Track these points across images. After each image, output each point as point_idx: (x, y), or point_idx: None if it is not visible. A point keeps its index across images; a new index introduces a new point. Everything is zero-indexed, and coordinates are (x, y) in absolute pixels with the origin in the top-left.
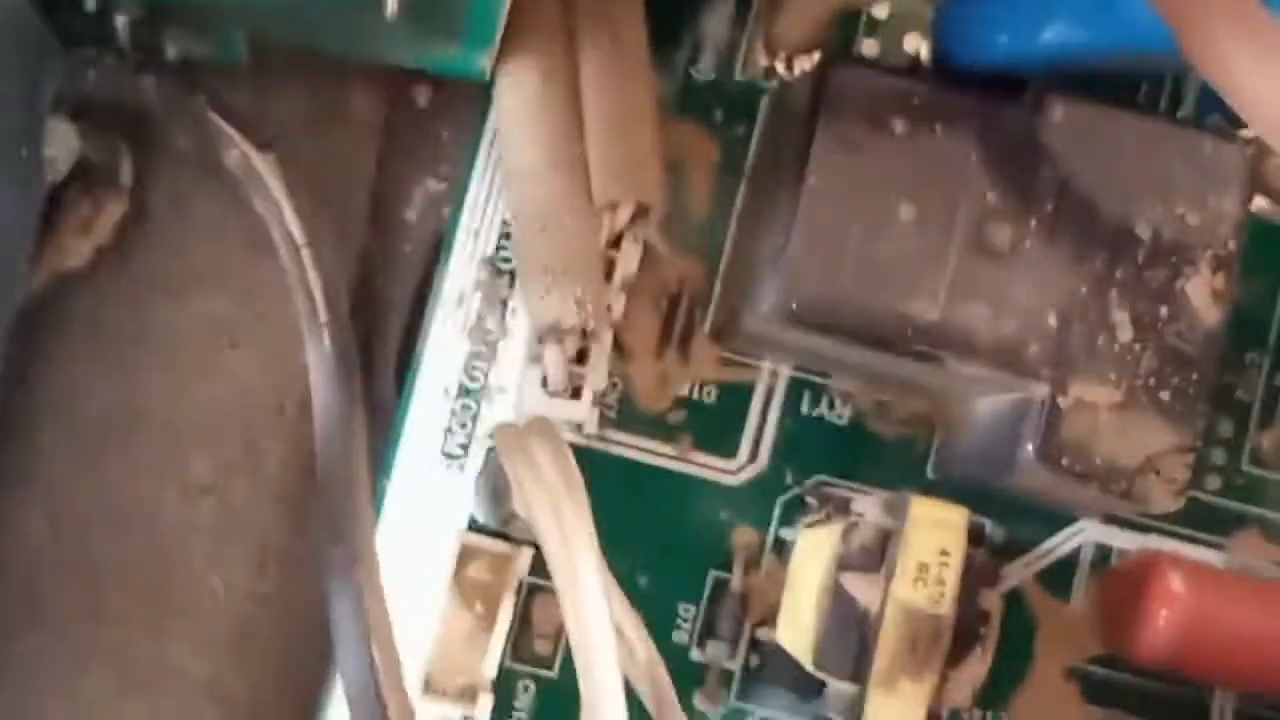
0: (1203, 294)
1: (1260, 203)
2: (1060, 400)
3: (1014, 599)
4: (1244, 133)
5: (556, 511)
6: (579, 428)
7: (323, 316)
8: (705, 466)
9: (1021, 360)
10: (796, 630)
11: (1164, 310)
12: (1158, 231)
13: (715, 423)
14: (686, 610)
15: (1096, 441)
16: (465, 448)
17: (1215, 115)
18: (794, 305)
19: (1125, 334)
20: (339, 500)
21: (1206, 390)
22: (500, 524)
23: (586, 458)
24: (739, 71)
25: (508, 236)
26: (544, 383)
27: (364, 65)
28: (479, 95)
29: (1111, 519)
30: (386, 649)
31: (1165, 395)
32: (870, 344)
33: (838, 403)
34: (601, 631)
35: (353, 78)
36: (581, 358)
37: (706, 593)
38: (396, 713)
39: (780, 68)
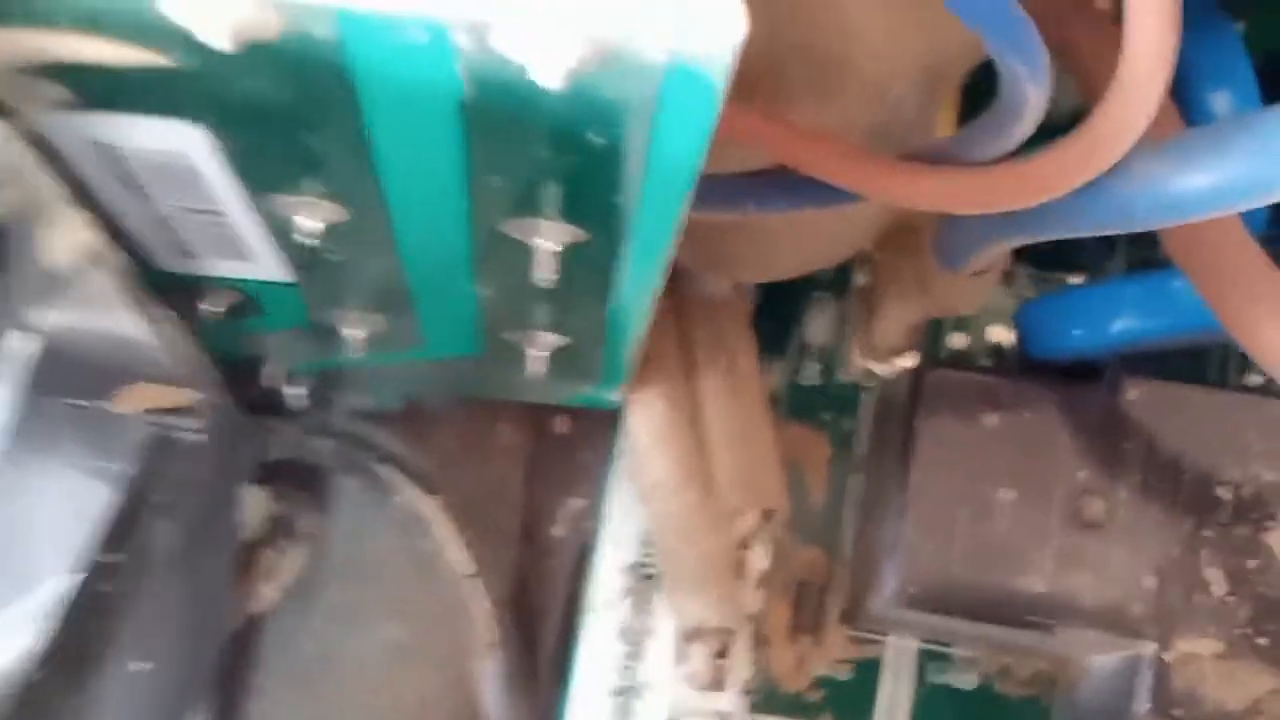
0: None
1: None
2: (1166, 655)
3: None
4: None
5: None
6: (727, 718)
7: (496, 636)
8: None
9: (1126, 621)
10: None
11: (1252, 563)
12: (1238, 491)
13: (853, 698)
14: None
15: (1204, 691)
16: None
17: None
18: (913, 590)
19: (1220, 588)
20: None
21: None
22: None
23: None
24: (840, 374)
25: (645, 544)
26: (691, 679)
27: (509, 402)
28: (613, 420)
29: None
30: None
31: (1264, 641)
32: (985, 619)
33: (964, 669)
34: None
35: (499, 413)
36: (723, 652)
37: None
38: None
39: (878, 369)
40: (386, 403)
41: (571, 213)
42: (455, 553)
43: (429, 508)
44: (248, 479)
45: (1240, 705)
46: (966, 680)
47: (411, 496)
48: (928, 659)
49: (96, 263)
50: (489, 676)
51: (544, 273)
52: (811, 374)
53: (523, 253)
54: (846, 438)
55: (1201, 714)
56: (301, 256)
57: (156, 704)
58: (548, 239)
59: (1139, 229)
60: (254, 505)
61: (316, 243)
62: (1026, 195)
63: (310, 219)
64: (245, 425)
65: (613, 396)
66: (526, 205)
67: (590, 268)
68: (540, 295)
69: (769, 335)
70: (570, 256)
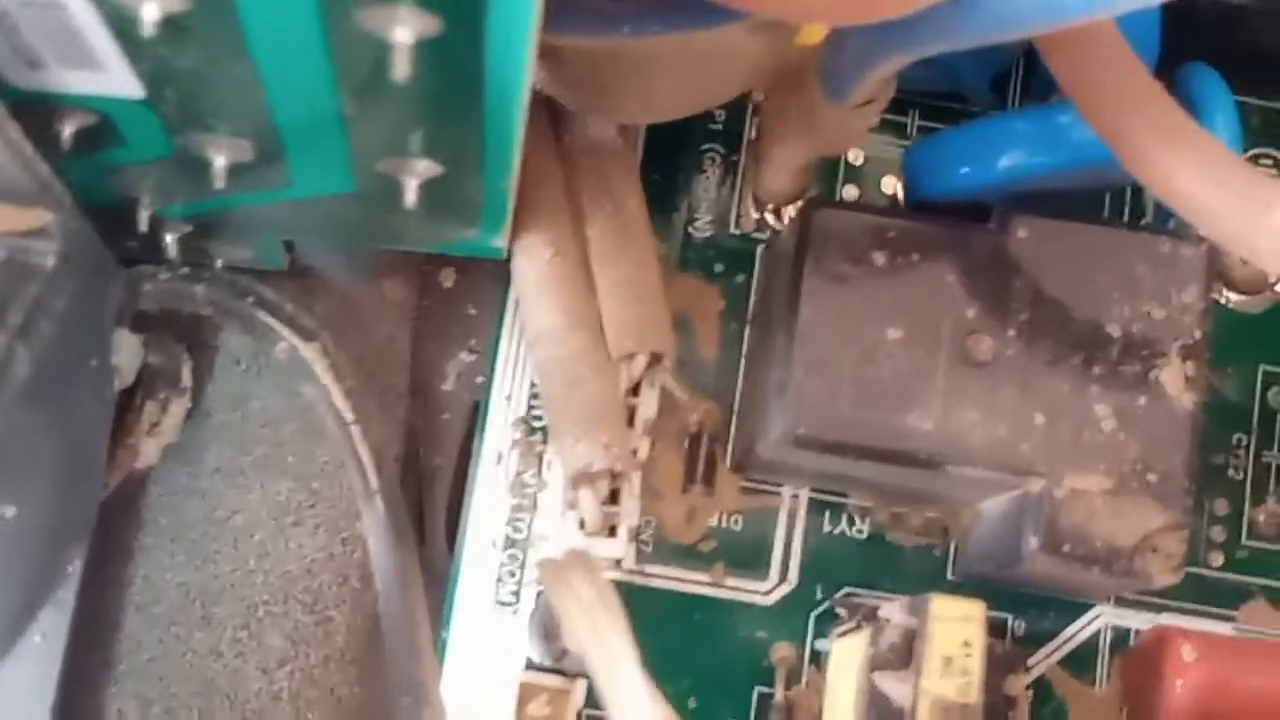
0: (1176, 381)
1: (1229, 295)
2: (1055, 492)
3: (1042, 686)
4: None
5: (594, 625)
6: (618, 564)
7: (374, 484)
8: (739, 590)
9: (1015, 458)
10: None
11: (1142, 400)
12: (1128, 329)
13: (745, 549)
14: None
15: (1094, 527)
16: (516, 594)
17: (1174, 220)
18: (800, 430)
19: (1109, 425)
20: (403, 651)
21: (1190, 469)
22: (554, 660)
23: (629, 592)
24: (734, 226)
25: (536, 397)
26: (581, 525)
27: (393, 257)
28: (499, 273)
29: (1125, 602)
30: None
31: (1153, 478)
32: (874, 458)
33: (857, 519)
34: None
35: (385, 271)
36: (613, 498)
37: (753, 709)
38: None
39: (770, 219)
40: (268, 258)
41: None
42: (336, 399)
43: (310, 354)
44: (118, 322)
45: (1130, 541)
46: (859, 529)
47: (292, 344)
48: (821, 509)
49: None
50: (370, 525)
51: (403, 71)
52: (703, 228)
53: (380, 50)
54: (738, 291)
55: (1091, 550)
56: (149, 63)
57: (24, 551)
58: (404, 28)
59: (1021, 34)
60: (128, 351)
61: (158, 35)
62: None
63: (149, 3)
64: (110, 261)
65: (497, 243)
66: None
67: (452, 70)
68: (407, 112)
69: (660, 189)
70: (429, 52)
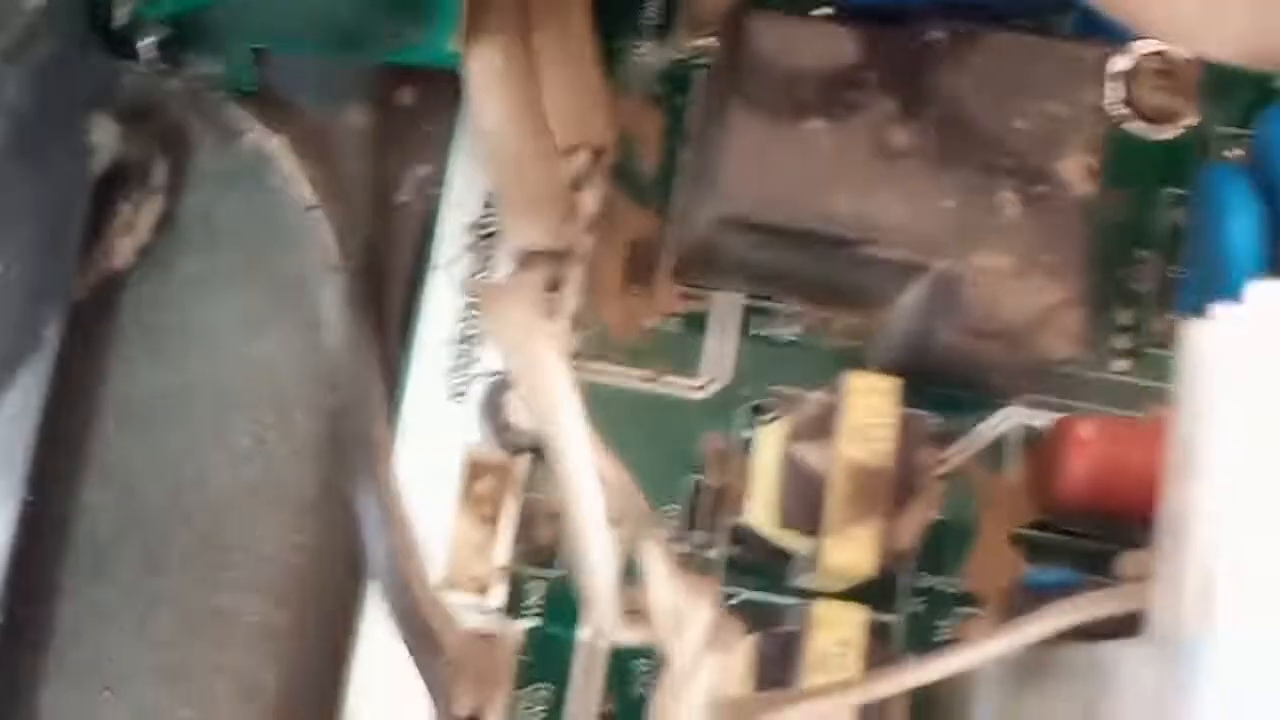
0: (1076, 172)
1: (1138, 124)
2: (963, 270)
3: (956, 478)
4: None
5: (528, 349)
6: None
7: (335, 263)
8: (675, 386)
9: (926, 240)
10: (763, 506)
11: (1043, 188)
12: (1032, 124)
13: (681, 347)
14: (671, 511)
15: (999, 303)
16: (466, 385)
17: None
18: (728, 209)
19: (1013, 210)
20: (358, 406)
21: (1085, 250)
22: (500, 444)
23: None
24: (675, 50)
25: (488, 206)
26: None
27: (354, 79)
28: (455, 91)
29: (1035, 402)
30: (406, 536)
31: (1052, 258)
32: (796, 241)
33: (786, 322)
34: (579, 443)
35: (348, 95)
36: (555, 285)
37: (690, 494)
38: (418, 588)
39: (709, 41)
40: (238, 73)
41: None
42: (299, 186)
43: (276, 146)
44: (98, 105)
45: (1031, 314)
46: (788, 332)
47: (257, 136)
48: (752, 314)
49: None
50: (329, 301)
51: None
52: (646, 50)
53: None
54: (679, 112)
55: (998, 324)
56: None
57: (3, 307)
58: None
59: None
60: (106, 134)
61: None
62: None
63: None
64: (92, 39)
65: (451, 47)
66: None
67: None
68: None
69: (606, 15)
70: None
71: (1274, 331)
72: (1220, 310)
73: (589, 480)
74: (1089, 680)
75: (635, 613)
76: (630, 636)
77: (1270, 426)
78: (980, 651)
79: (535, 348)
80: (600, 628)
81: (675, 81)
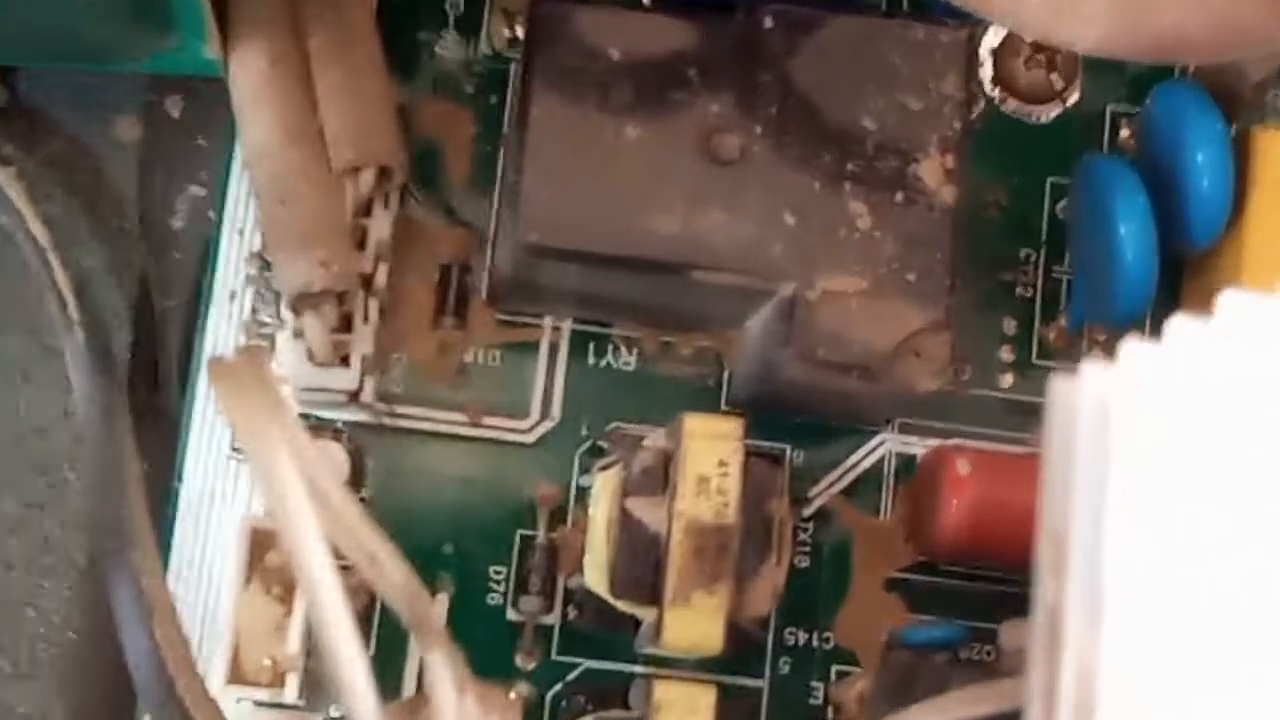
0: (935, 175)
1: (1013, 104)
2: (809, 295)
3: (825, 518)
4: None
5: (260, 435)
6: (354, 396)
7: (74, 315)
8: (498, 429)
9: (765, 262)
10: (598, 568)
11: (899, 196)
12: (883, 122)
13: (503, 385)
14: (498, 572)
15: (851, 331)
16: None
17: None
18: (532, 238)
19: (864, 223)
20: (108, 485)
21: (950, 268)
22: None
23: (380, 436)
24: (484, 45)
25: None
26: (309, 355)
27: (122, 94)
28: (229, 100)
29: (910, 429)
30: (169, 628)
31: (911, 277)
32: (616, 267)
33: (623, 350)
34: (313, 550)
35: (113, 108)
36: (347, 326)
37: (515, 552)
38: (185, 688)
39: (521, 33)
40: None
41: None
42: (32, 226)
43: (3, 179)
44: None
45: (889, 344)
46: (626, 362)
47: None
48: (584, 340)
49: None
50: (70, 355)
51: None
52: (453, 46)
53: None
54: (492, 114)
55: (849, 355)
56: None
57: None
58: None
59: None
60: None
61: None
62: None
63: None
64: None
65: (209, 54)
66: None
67: None
68: None
69: (402, 9)
70: None
71: (1184, 388)
72: (1089, 370)
73: (329, 588)
74: None
75: None
76: None
77: (1168, 511)
78: None
79: (267, 434)
80: None
81: (487, 79)
